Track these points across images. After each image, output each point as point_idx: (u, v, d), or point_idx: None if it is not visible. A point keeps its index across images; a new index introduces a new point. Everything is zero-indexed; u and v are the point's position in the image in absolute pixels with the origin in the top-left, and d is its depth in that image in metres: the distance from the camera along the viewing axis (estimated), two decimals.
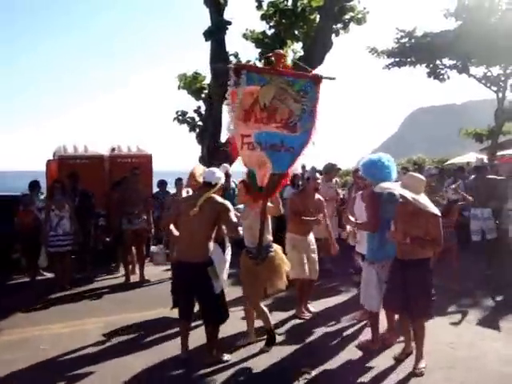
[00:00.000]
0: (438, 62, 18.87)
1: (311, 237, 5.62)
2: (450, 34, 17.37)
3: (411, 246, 3.88)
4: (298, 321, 5.49)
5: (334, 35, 11.79)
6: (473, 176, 8.14)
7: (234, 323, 4.91)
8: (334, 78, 4.15)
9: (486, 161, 15.59)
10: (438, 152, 35.47)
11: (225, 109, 4.16)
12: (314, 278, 5.58)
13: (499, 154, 17.25)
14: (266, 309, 4.68)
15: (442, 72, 19.19)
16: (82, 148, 9.76)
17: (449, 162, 19.52)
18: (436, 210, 3.90)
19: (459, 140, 23.66)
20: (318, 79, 4.06)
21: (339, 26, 12.08)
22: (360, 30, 15.02)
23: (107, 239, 8.87)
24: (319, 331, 5.10)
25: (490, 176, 7.88)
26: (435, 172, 7.82)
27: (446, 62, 18.84)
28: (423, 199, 3.87)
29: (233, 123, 3.84)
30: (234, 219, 4.25)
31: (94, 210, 8.50)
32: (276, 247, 4.65)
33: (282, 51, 4.70)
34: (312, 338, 4.94)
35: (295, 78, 4.00)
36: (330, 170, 8.00)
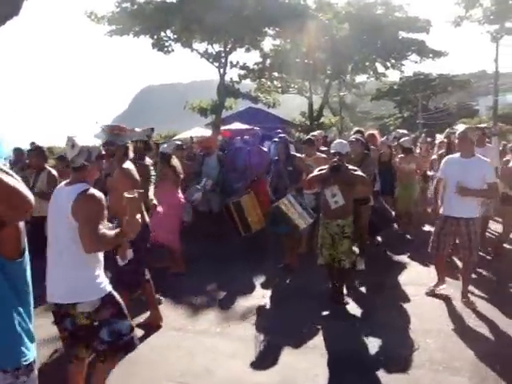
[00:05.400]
0: (162, 33, 18.28)
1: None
2: (172, 5, 16.91)
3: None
4: None
5: None
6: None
7: None
8: None
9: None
10: (169, 128, 35.93)
11: None
12: None
13: (222, 128, 18.00)
14: None
15: (167, 44, 18.76)
16: None
17: (177, 137, 19.55)
18: None
19: (187, 116, 24.08)
20: None
21: None
22: None
23: None
24: None
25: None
26: (170, 149, 6.35)
27: (170, 34, 18.45)
28: None
29: None
30: None
31: None
32: None
33: None
34: None
35: None
36: None
